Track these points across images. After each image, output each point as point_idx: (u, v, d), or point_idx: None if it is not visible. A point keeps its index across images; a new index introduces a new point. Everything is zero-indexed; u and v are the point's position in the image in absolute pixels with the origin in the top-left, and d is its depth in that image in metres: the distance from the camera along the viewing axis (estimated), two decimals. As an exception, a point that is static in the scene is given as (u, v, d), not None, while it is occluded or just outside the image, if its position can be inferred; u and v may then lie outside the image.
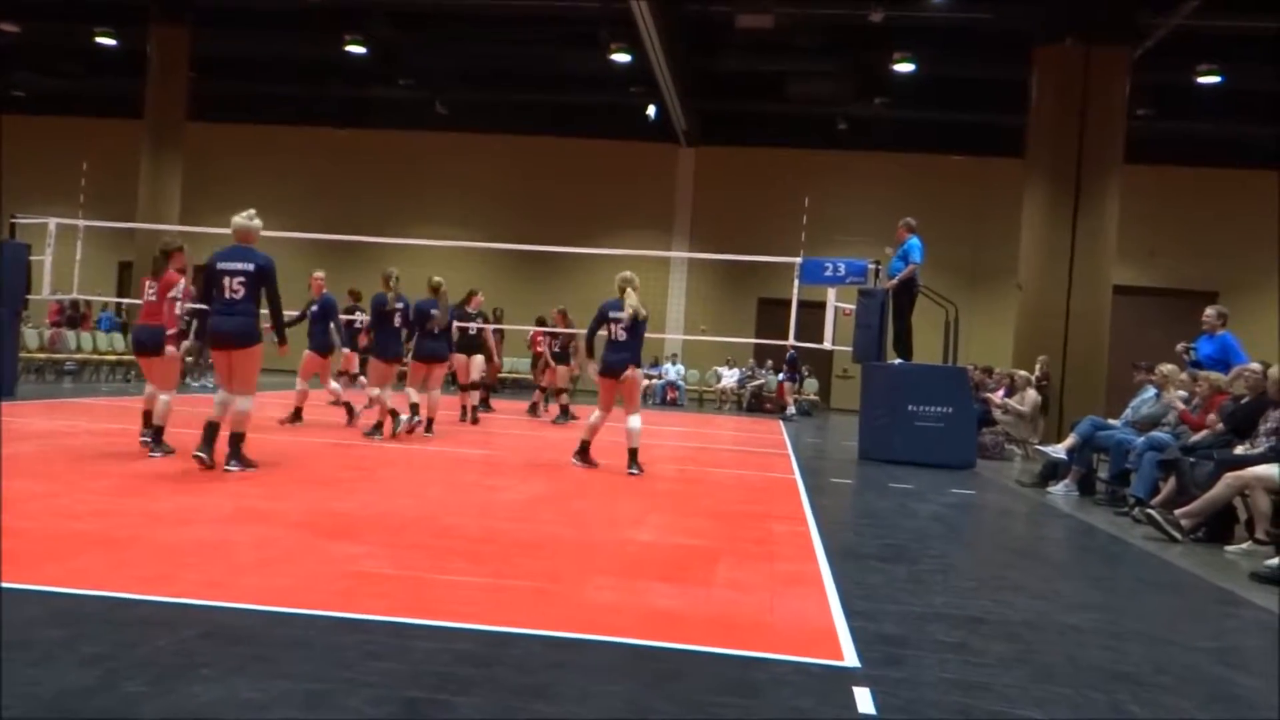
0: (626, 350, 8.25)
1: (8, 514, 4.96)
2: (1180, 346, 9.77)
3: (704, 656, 3.34)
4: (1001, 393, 13.63)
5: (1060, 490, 9.01)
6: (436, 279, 10.46)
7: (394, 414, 10.08)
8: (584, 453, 8.55)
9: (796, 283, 12.39)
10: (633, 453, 8.31)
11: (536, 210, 24.51)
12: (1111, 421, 9.31)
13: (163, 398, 7.43)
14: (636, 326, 8.30)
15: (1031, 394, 13.29)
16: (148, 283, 7.71)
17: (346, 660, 3.03)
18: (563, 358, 14.59)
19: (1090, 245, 15.55)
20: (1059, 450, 9.29)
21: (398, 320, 10.19)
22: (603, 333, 8.35)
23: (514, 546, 4.98)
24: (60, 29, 21.47)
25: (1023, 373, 13.76)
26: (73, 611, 3.39)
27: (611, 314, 8.28)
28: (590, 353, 10.19)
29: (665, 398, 22.25)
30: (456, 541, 5.01)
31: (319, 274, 11.78)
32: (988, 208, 22.97)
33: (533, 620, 3.60)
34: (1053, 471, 9.35)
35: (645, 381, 22.30)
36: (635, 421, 8.40)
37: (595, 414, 8.48)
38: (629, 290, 8.28)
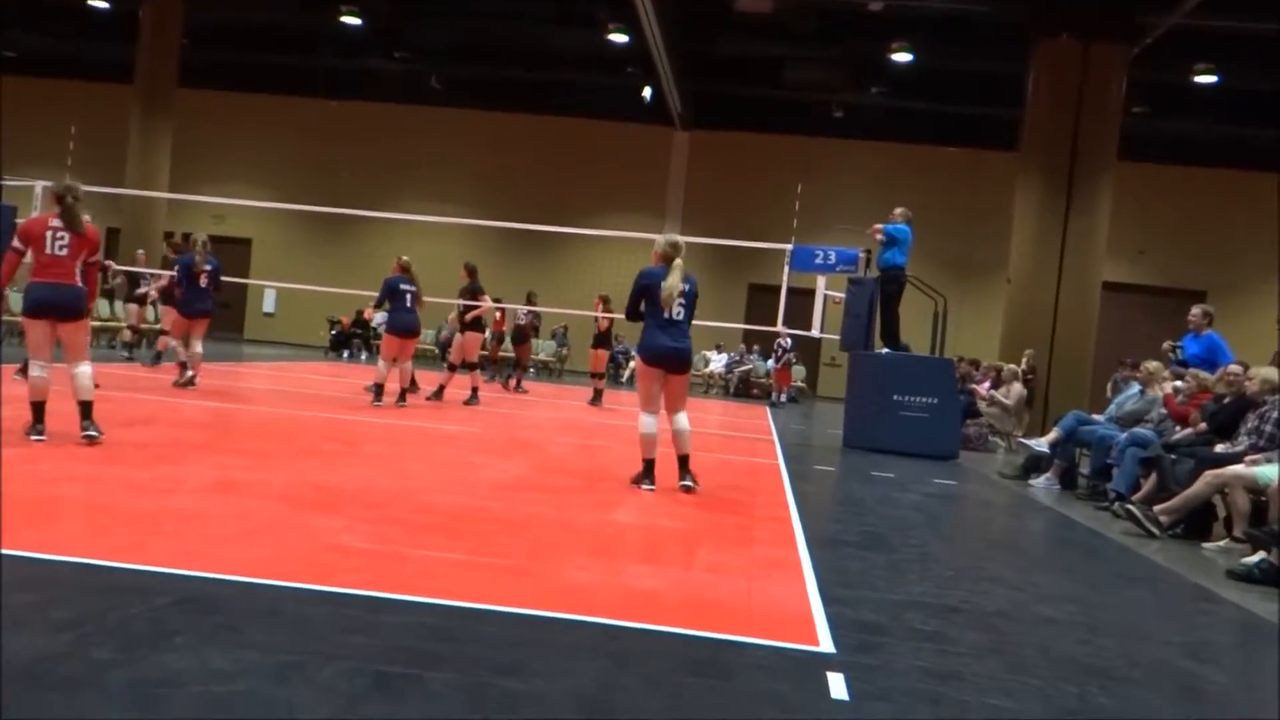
0: (686, 334, 6.48)
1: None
2: (1166, 345, 9.81)
3: (679, 638, 3.34)
4: (987, 385, 13.66)
5: (1042, 483, 9.04)
6: (405, 258, 11.29)
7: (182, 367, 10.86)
8: (650, 472, 6.50)
9: (787, 269, 12.38)
10: (686, 460, 6.49)
11: (529, 189, 24.41)
12: (1095, 417, 9.34)
13: (86, 369, 6.25)
14: (689, 302, 6.48)
15: (1017, 387, 13.33)
16: (50, 232, 6.18)
17: (319, 632, 3.02)
18: (603, 340, 14.67)
19: (1081, 241, 15.57)
20: (1042, 444, 9.33)
21: (204, 281, 11.10)
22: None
23: (493, 524, 4.97)
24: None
25: (1009, 366, 13.80)
26: (45, 577, 3.37)
27: (663, 284, 6.37)
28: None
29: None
30: (436, 518, 4.99)
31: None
32: (980, 201, 22.97)
33: (508, 598, 3.59)
34: (1035, 465, 9.38)
35: (634, 363, 22.32)
36: (685, 420, 6.54)
37: (643, 419, 6.50)
38: (678, 260, 6.41)
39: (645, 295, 6.42)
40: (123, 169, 20.59)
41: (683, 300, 6.37)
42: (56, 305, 6.18)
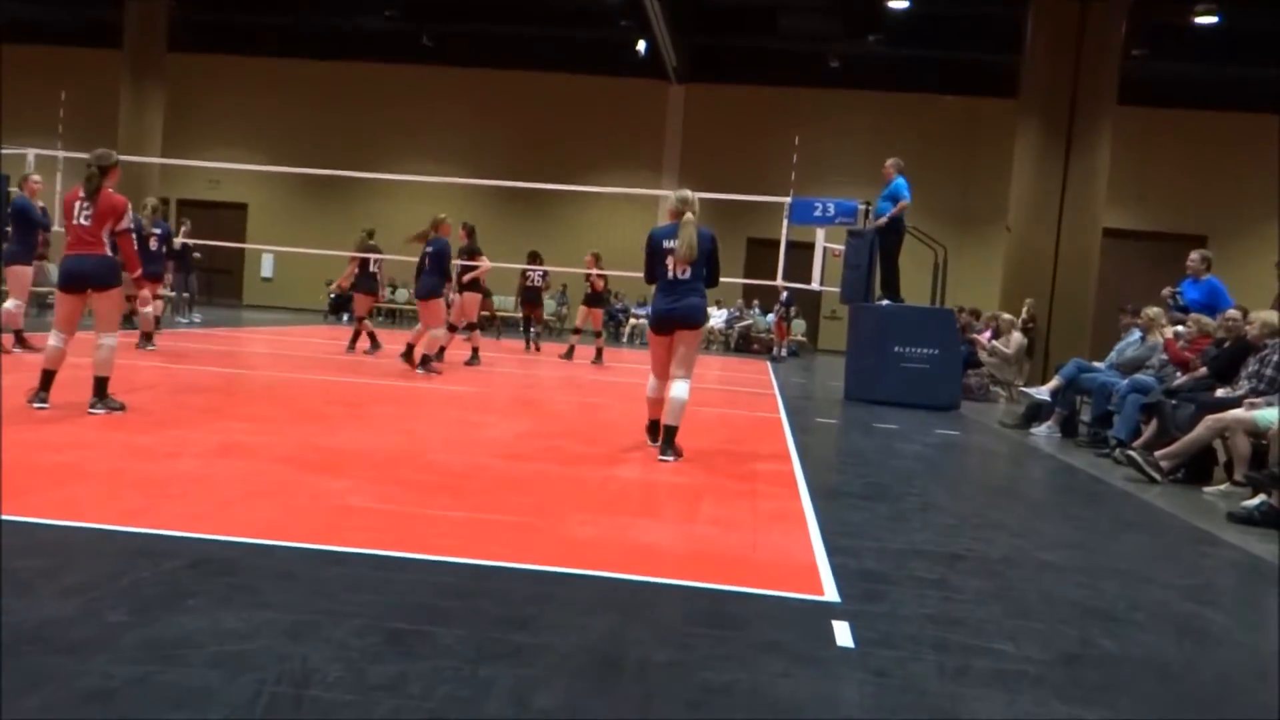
0: (691, 293, 6.10)
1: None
2: (1166, 291, 9.79)
3: (684, 590, 3.37)
4: (988, 335, 13.66)
5: (1043, 432, 9.08)
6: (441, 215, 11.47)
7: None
8: (654, 431, 6.35)
9: (786, 223, 12.33)
10: (669, 432, 6.06)
11: (523, 147, 24.24)
12: (1096, 364, 9.35)
13: (108, 342, 6.19)
14: (700, 259, 6.08)
15: (1017, 336, 13.33)
16: (78, 203, 6.19)
17: (330, 591, 3.05)
18: (596, 300, 14.50)
19: (1081, 188, 15.49)
20: (1043, 392, 9.35)
21: (154, 244, 11.47)
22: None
23: (498, 482, 5.00)
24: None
25: (1007, 315, 13.79)
26: (55, 542, 3.40)
27: (666, 243, 6.10)
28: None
29: (653, 337, 22.21)
30: (441, 477, 5.02)
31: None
32: (979, 149, 22.82)
33: (515, 554, 3.62)
34: (1036, 413, 9.41)
35: (634, 321, 22.30)
36: (682, 389, 6.10)
37: (652, 382, 6.34)
38: (689, 214, 6.07)
39: (655, 256, 6.15)
40: (115, 135, 20.43)
41: (686, 258, 6.02)
42: (82, 275, 6.19)
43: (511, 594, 3.19)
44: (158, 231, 11.60)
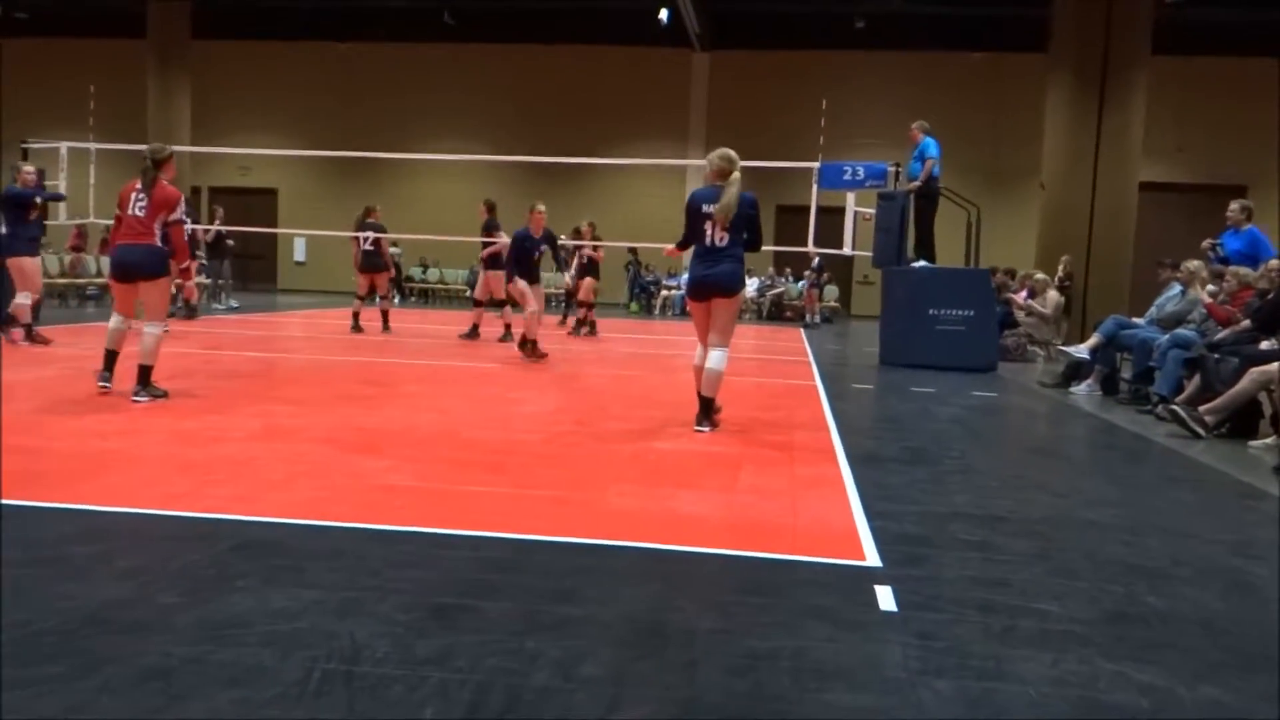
0: (727, 259, 5.94)
1: (38, 435, 5.04)
2: (1206, 243, 9.61)
3: (725, 559, 3.39)
4: (1024, 295, 13.50)
5: (1083, 390, 8.97)
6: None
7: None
8: (706, 413, 6.07)
9: (815, 188, 12.22)
10: (705, 403, 6.01)
11: (548, 121, 24.15)
12: (1136, 320, 9.22)
13: (154, 330, 6.34)
14: (739, 223, 5.91)
15: (1053, 295, 13.15)
16: (134, 194, 6.39)
17: (375, 569, 3.09)
18: (591, 271, 14.36)
19: (1116, 142, 15.19)
20: (1082, 350, 9.23)
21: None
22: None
23: (535, 457, 5.03)
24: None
25: (1041, 275, 13.59)
26: (106, 528, 3.47)
27: (705, 206, 5.89)
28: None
29: (685, 308, 22.17)
30: (478, 454, 5.06)
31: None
32: (1009, 106, 22.43)
33: (555, 528, 3.65)
34: (1075, 372, 9.30)
35: (665, 293, 22.27)
36: (718, 359, 6.00)
37: (699, 352, 6.12)
38: (735, 174, 5.87)
39: (695, 220, 5.94)
40: (144, 126, 20.61)
41: (724, 222, 5.83)
42: (131, 264, 6.37)
43: (554, 567, 3.22)
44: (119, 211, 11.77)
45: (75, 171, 13.55)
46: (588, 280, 14.24)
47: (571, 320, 14.94)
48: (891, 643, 2.67)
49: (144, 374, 6.31)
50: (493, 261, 12.32)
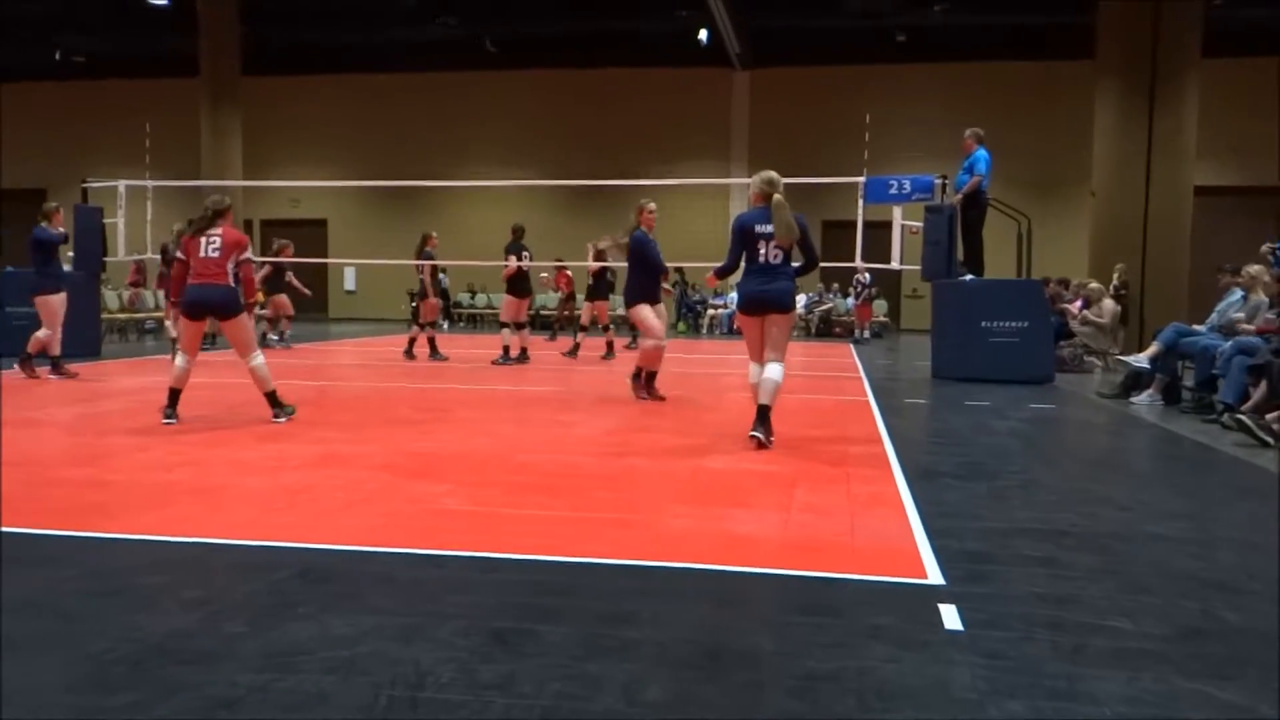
0: (782, 276, 6.09)
1: (104, 468, 5.15)
2: (1265, 246, 9.38)
3: (784, 579, 3.35)
4: (1078, 304, 13.27)
5: (1144, 400, 8.78)
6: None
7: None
8: (764, 421, 6.05)
9: (861, 203, 12.14)
10: (763, 410, 6.03)
11: (591, 144, 24.31)
12: (1196, 328, 9.01)
13: (257, 361, 6.85)
14: (798, 243, 6.09)
15: (1109, 304, 12.91)
16: (203, 240, 6.82)
17: (433, 594, 3.10)
18: (597, 292, 14.11)
19: (1168, 146, 14.93)
20: (1141, 359, 9.04)
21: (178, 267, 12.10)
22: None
23: (588, 479, 5.03)
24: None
25: (1095, 284, 13.35)
26: (171, 558, 3.52)
27: (759, 227, 6.07)
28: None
29: (732, 326, 22.14)
30: (532, 477, 5.07)
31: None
32: (1056, 114, 22.14)
33: (611, 550, 3.64)
34: (1135, 382, 9.11)
35: (712, 312, 22.25)
36: (776, 370, 6.12)
37: (752, 368, 6.27)
38: (777, 196, 6.04)
39: (744, 242, 6.12)
40: (198, 161, 21.10)
41: (773, 244, 6.00)
42: (206, 304, 6.79)
43: (611, 590, 3.21)
44: (180, 256, 11.98)
45: (133, 208, 13.88)
46: (601, 303, 14.07)
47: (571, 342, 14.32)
48: (958, 663, 2.62)
49: (272, 399, 6.84)
50: (510, 285, 12.40)
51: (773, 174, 6.16)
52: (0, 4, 22.01)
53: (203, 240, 6.80)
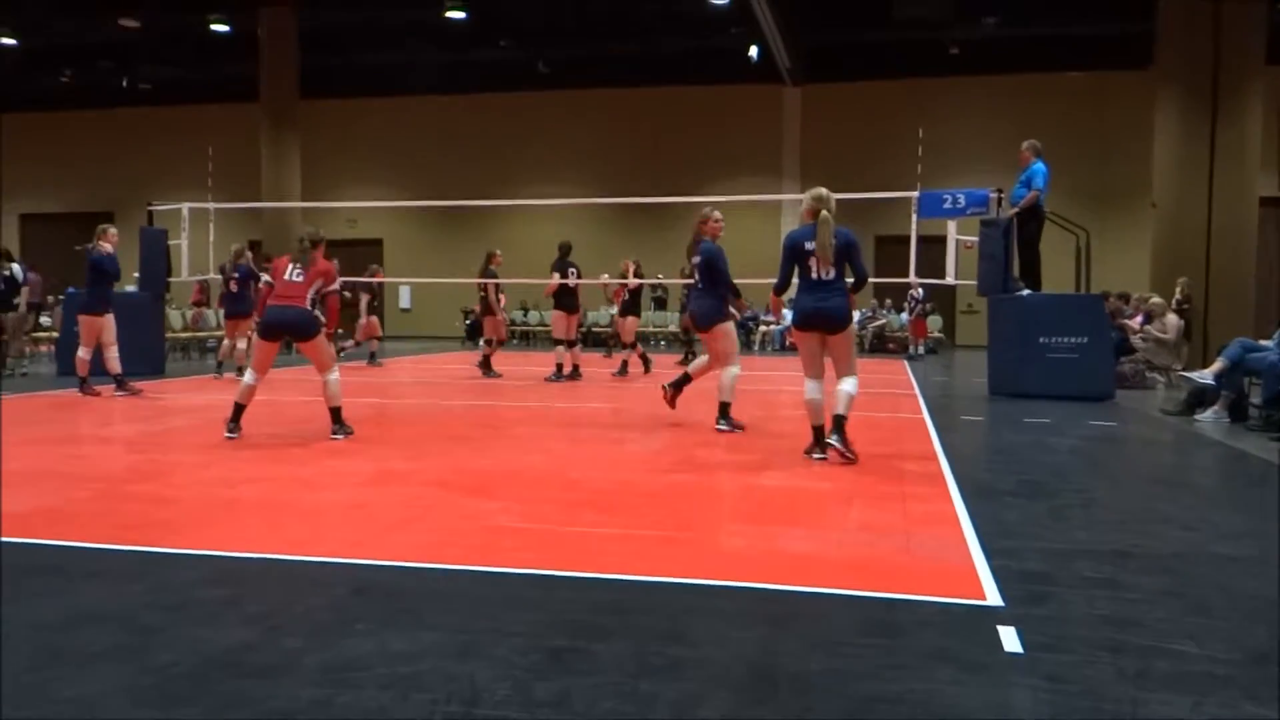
0: (837, 293, 6.08)
1: (168, 484, 5.28)
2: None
3: (841, 599, 3.32)
4: (1139, 319, 13.00)
5: (1209, 417, 8.56)
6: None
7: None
8: (821, 441, 6.14)
9: (914, 218, 12.02)
10: (839, 420, 6.00)
11: (643, 161, 24.43)
12: (1263, 343, 8.78)
13: (332, 378, 7.01)
14: (840, 258, 6.08)
15: (1172, 319, 12.62)
16: (290, 265, 7.06)
17: (490, 611, 3.13)
18: (630, 310, 13.92)
19: (1231, 156, 14.58)
20: (1205, 376, 8.82)
21: (234, 286, 12.53)
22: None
23: (642, 497, 5.04)
24: (176, 20, 22.28)
25: (1157, 299, 13.07)
26: (233, 573, 3.59)
27: (808, 244, 6.05)
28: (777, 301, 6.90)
29: (784, 343, 22.03)
30: (586, 494, 5.09)
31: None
32: (1113, 125, 21.79)
33: (666, 568, 3.64)
34: (1200, 398, 8.89)
35: (764, 328, 22.17)
36: (851, 384, 6.15)
37: (805, 384, 6.27)
38: (824, 213, 6.02)
39: (794, 259, 6.14)
40: (259, 183, 21.57)
41: (831, 258, 5.99)
42: (283, 324, 6.99)
43: (666, 608, 3.21)
44: (236, 275, 12.55)
45: (196, 229, 14.23)
46: (630, 319, 13.90)
47: (618, 360, 14.06)
48: (1020, 686, 2.57)
49: (335, 415, 7.02)
50: (558, 301, 12.52)
51: (823, 191, 6.18)
52: (75, 35, 22.81)
53: (289, 267, 7.06)
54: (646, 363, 13.62)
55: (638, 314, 14.31)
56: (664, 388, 8.17)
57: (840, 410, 6.03)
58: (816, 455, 6.12)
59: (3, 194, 27.29)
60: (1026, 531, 4.30)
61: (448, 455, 6.36)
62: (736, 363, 7.79)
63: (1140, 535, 4.31)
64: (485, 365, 13.17)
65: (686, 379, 8.06)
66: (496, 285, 13.39)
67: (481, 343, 13.66)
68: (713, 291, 7.73)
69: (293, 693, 2.47)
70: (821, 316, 6.08)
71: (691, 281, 8.20)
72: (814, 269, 6.06)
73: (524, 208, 23.38)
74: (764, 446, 6.76)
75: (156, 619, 3.02)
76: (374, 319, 15.43)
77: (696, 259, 7.76)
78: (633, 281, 13.73)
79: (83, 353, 10.00)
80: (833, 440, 5.97)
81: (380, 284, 15.58)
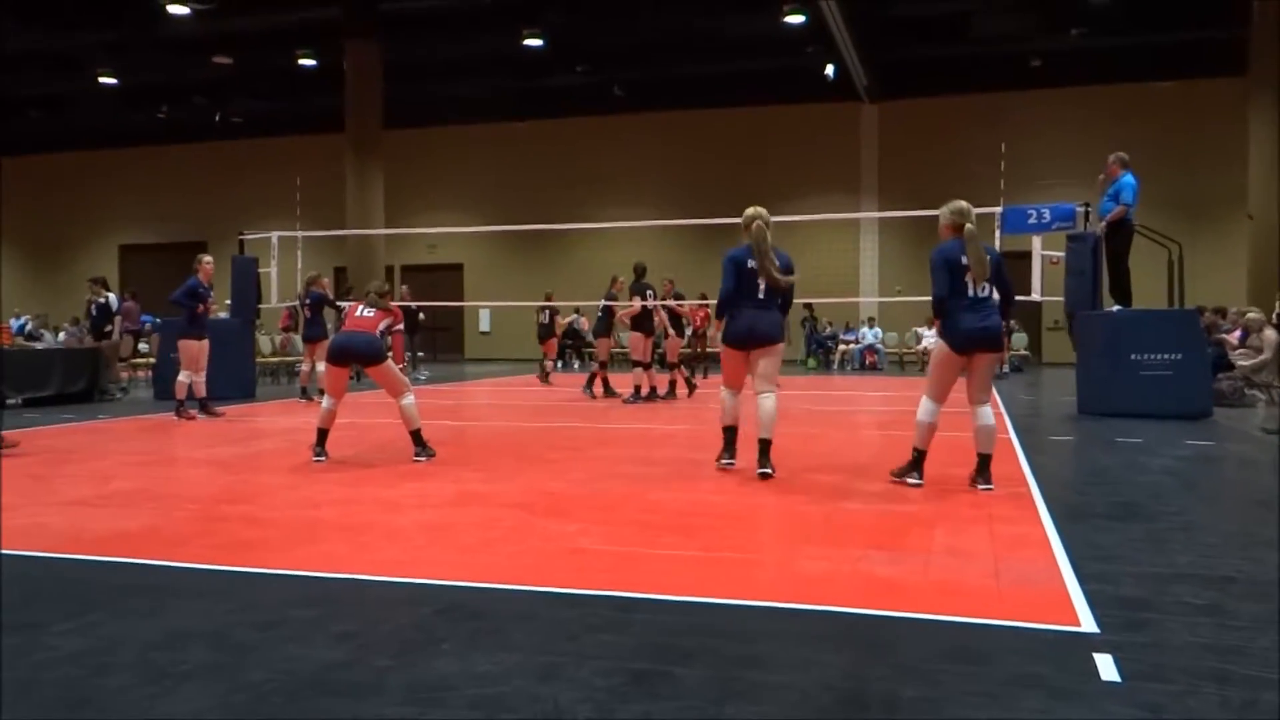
0: (995, 311, 5.79)
1: (259, 505, 5.42)
2: None
3: (927, 624, 3.24)
4: (1237, 334, 12.52)
5: (1314, 436, 8.20)
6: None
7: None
8: (918, 465, 5.95)
9: (998, 233, 11.79)
10: (984, 459, 5.82)
11: (721, 182, 24.45)
12: (1372, 357, 8.38)
13: (408, 401, 7.16)
14: (995, 277, 5.87)
15: (1270, 334, 12.13)
16: (360, 307, 7.38)
17: (572, 633, 3.13)
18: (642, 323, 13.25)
19: (1333, 164, 14.02)
20: (1310, 392, 8.45)
21: (307, 311, 12.98)
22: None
23: (721, 519, 5.01)
24: (266, 56, 23.11)
25: (1254, 314, 12.57)
26: (321, 593, 3.67)
27: (964, 259, 5.75)
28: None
29: (864, 362, 21.78)
30: (665, 516, 5.08)
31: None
32: (1204, 135, 21.13)
33: (746, 591, 3.61)
34: (1304, 416, 8.51)
35: (844, 348, 21.95)
36: (990, 415, 5.88)
37: (926, 404, 5.90)
38: (969, 226, 5.80)
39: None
40: (343, 212, 22.18)
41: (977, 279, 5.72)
42: (350, 349, 7.17)
43: (747, 631, 3.18)
44: (309, 300, 13.00)
45: (284, 257, 14.67)
46: (672, 340, 13.70)
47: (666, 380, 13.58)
48: (1117, 716, 2.48)
49: (416, 438, 7.13)
50: (636, 323, 12.54)
51: (964, 204, 5.85)
52: (172, 73, 23.79)
53: (360, 307, 7.37)
54: (689, 384, 13.58)
55: (680, 333, 14.01)
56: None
57: (985, 449, 5.79)
58: (911, 480, 5.86)
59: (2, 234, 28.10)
60: (1121, 555, 4.16)
61: (527, 477, 6.42)
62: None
63: (1243, 560, 4.13)
64: (593, 384, 13.32)
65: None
66: (611, 309, 13.32)
67: (595, 364, 13.69)
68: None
69: (379, 711, 2.51)
70: (989, 336, 5.72)
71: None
72: (970, 286, 5.71)
73: (601, 231, 23.60)
74: (846, 469, 6.68)
75: (250, 637, 3.10)
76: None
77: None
78: (675, 304, 13.55)
79: (183, 376, 10.36)
80: (989, 486, 5.70)
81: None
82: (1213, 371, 11.17)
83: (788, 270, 6.38)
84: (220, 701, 2.59)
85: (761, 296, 6.29)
